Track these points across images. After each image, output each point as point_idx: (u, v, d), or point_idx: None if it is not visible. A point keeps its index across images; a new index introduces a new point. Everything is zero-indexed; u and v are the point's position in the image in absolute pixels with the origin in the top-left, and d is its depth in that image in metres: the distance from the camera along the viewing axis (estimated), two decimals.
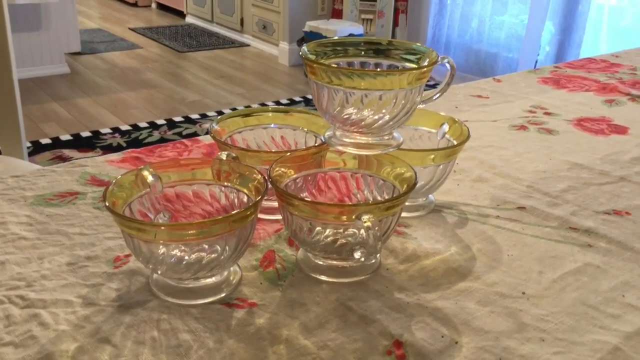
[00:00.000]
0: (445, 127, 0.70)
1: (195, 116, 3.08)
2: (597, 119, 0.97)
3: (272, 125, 0.72)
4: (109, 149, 2.66)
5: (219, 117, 0.68)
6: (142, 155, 0.78)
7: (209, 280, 0.54)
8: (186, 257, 0.52)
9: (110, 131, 2.87)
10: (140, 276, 0.56)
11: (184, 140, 0.83)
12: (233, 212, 0.49)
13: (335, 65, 0.58)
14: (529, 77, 1.17)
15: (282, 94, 3.45)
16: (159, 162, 0.58)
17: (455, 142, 0.68)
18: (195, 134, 2.84)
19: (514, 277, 0.58)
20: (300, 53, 0.60)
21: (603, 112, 1.00)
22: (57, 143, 2.72)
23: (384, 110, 0.58)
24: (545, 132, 0.91)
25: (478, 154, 0.82)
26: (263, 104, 3.26)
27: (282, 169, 0.60)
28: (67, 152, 2.64)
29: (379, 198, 0.63)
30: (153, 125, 2.95)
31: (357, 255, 0.52)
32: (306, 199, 0.59)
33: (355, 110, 0.58)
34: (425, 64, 0.61)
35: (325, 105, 0.59)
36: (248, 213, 0.51)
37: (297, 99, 3.38)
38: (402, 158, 0.62)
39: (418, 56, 0.62)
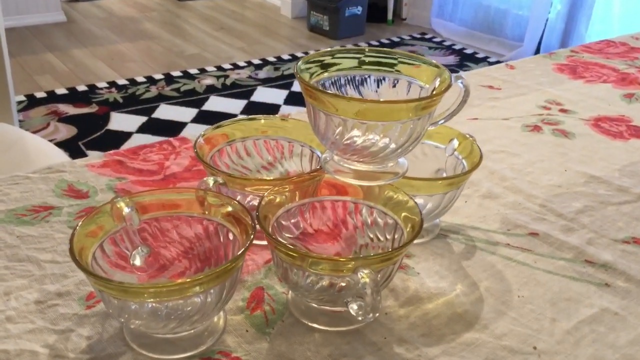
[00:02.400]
0: (455, 143, 0.64)
1: (194, 71, 2.99)
2: (615, 118, 0.90)
3: (265, 138, 0.66)
4: (106, 104, 2.59)
5: (204, 131, 0.62)
6: (125, 159, 0.72)
7: None
8: (164, 306, 0.47)
9: (106, 85, 2.79)
10: (114, 319, 0.51)
11: (172, 140, 0.77)
12: (217, 269, 0.44)
13: (335, 92, 0.51)
14: (543, 63, 1.09)
15: (284, 48, 3.35)
16: (136, 193, 0.52)
17: (465, 162, 0.62)
18: (193, 91, 2.76)
19: (524, 327, 0.53)
20: (295, 70, 0.54)
21: (622, 110, 0.93)
22: (52, 97, 2.65)
23: (387, 140, 0.52)
24: (561, 135, 0.85)
25: (488, 162, 0.76)
26: (264, 60, 3.17)
27: (274, 196, 0.54)
28: (62, 108, 2.57)
29: (379, 220, 0.57)
30: (150, 80, 2.87)
31: (352, 309, 0.47)
32: (296, 247, 0.54)
33: (358, 135, 0.52)
34: (437, 84, 0.54)
35: (323, 130, 0.53)
36: (234, 264, 0.45)
37: (299, 54, 3.28)
38: (407, 186, 0.56)
39: (428, 68, 0.56)
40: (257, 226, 0.50)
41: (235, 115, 2.53)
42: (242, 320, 0.52)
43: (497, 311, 0.54)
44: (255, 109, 2.61)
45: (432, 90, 0.55)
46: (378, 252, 0.54)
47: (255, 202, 0.60)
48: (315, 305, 0.53)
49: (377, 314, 0.46)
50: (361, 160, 0.53)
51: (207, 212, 0.54)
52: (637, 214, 0.68)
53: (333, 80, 0.57)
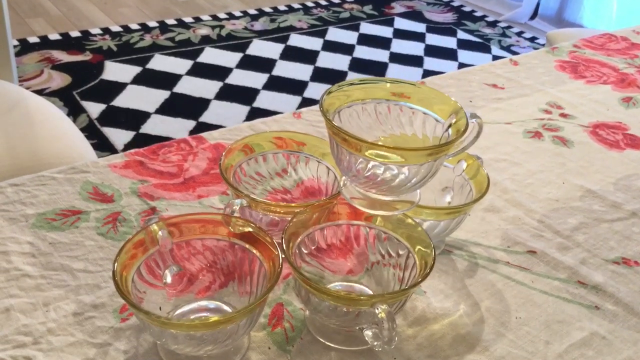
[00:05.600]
0: (463, 165, 0.68)
1: (188, 19, 2.96)
2: (612, 125, 0.94)
3: (283, 151, 0.69)
4: (99, 52, 2.57)
5: (223, 153, 0.64)
6: (145, 160, 0.75)
7: None
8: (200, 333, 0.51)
9: (100, 32, 2.76)
10: (147, 334, 0.55)
11: (188, 139, 0.80)
12: (249, 306, 0.48)
13: (359, 137, 0.54)
14: (546, 59, 1.12)
15: None
16: (167, 217, 0.55)
17: (471, 183, 0.66)
18: (188, 41, 2.74)
19: (521, 349, 0.58)
20: (319, 104, 0.56)
21: (619, 116, 0.97)
22: (45, 42, 2.62)
23: (407, 173, 0.55)
24: (560, 143, 0.88)
25: (491, 172, 0.80)
26: (260, 10, 3.14)
27: (296, 220, 0.58)
28: (55, 54, 2.55)
29: (395, 237, 0.61)
30: (145, 28, 2.84)
31: (367, 336, 0.52)
32: (317, 285, 0.58)
33: (379, 170, 0.55)
34: (453, 120, 0.58)
35: (346, 164, 0.56)
36: (264, 299, 0.49)
37: (296, 5, 3.25)
38: (417, 214, 0.60)
39: (445, 108, 0.59)
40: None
41: (230, 70, 2.53)
42: (264, 337, 0.56)
43: (497, 332, 0.59)
44: (251, 63, 2.61)
45: (448, 126, 0.58)
46: (393, 291, 0.58)
47: (273, 216, 0.64)
48: (331, 324, 0.57)
49: (392, 346, 0.50)
50: (382, 193, 0.57)
51: (232, 230, 0.58)
52: (628, 233, 0.73)
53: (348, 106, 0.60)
